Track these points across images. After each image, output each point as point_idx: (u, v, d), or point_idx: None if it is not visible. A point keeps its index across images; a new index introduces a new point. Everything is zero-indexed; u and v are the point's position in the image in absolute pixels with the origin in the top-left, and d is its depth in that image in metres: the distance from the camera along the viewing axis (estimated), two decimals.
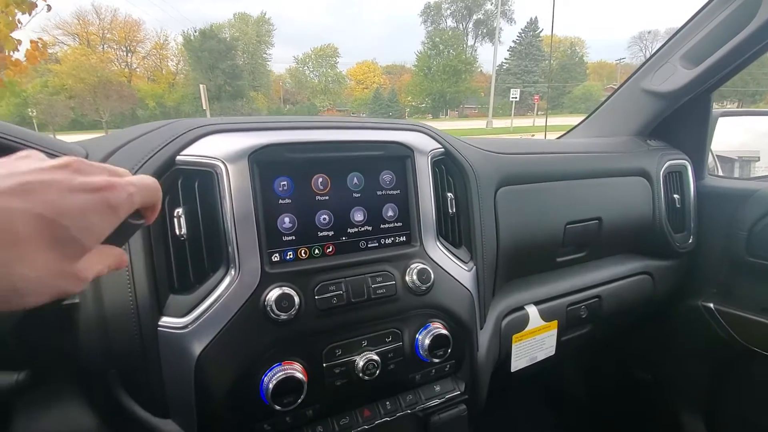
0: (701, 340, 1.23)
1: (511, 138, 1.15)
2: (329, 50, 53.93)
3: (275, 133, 0.61)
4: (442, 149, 0.75)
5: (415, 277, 0.67)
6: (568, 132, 1.44)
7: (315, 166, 0.63)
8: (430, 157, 0.73)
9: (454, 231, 0.78)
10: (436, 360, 0.69)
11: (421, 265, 0.68)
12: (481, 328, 0.82)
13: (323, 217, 0.64)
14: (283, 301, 0.57)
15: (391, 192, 0.69)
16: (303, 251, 0.62)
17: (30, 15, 4.81)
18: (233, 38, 43.73)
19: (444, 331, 0.69)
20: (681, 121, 1.24)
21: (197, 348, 0.55)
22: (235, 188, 0.57)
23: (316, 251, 0.63)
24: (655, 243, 1.15)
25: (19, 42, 5.00)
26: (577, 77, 47.23)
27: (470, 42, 51.96)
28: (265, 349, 0.58)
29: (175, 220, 0.56)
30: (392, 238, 0.69)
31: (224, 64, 38.47)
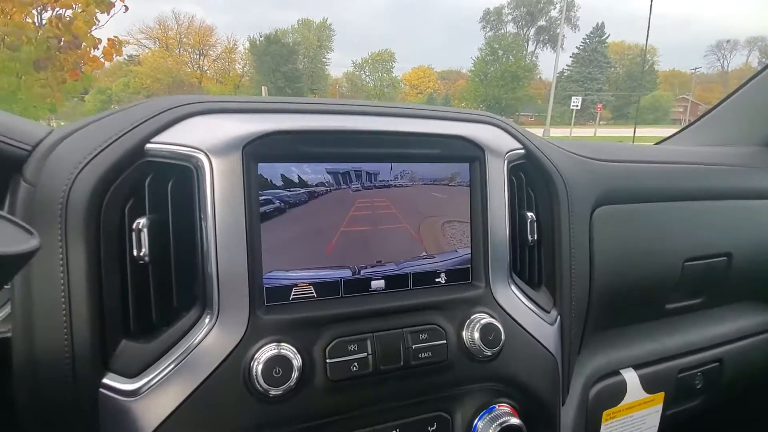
0: None
1: (608, 142, 0.89)
2: (386, 55, 54.41)
3: (284, 118, 0.42)
4: (523, 151, 0.54)
5: (477, 335, 0.46)
6: (672, 137, 1.15)
7: (340, 167, 0.44)
8: (506, 162, 0.51)
9: (533, 266, 0.56)
10: None
11: (488, 318, 0.46)
12: (563, 404, 0.58)
13: (347, 241, 0.44)
14: (276, 368, 0.38)
15: (449, 208, 0.49)
16: (311, 290, 0.43)
17: (108, 14, 5.14)
18: (295, 43, 45.45)
19: (516, 420, 0.46)
20: None
21: (150, 423, 0.38)
22: (220, 193, 0.39)
23: (331, 291, 0.44)
24: None
25: (99, 41, 5.37)
26: (645, 86, 43.95)
27: (530, 48, 50.18)
28: None
29: (133, 234, 0.39)
30: (446, 275, 0.49)
31: (285, 68, 40.02)
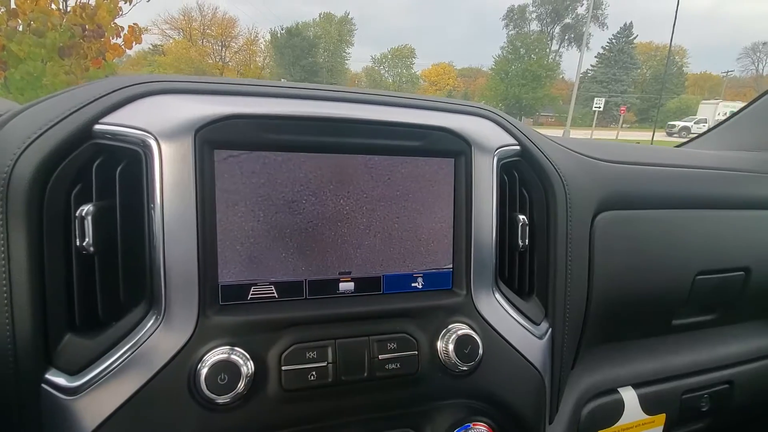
0: None
1: (615, 142, 0.84)
2: (406, 51, 54.06)
3: (242, 101, 0.39)
4: (518, 147, 0.49)
5: (452, 346, 0.42)
6: (692, 140, 1.08)
7: (305, 158, 0.41)
8: (497, 158, 0.47)
9: (524, 273, 0.52)
10: None
11: (465, 329, 0.43)
12: (551, 422, 0.54)
13: (311, 237, 0.41)
14: (221, 374, 0.35)
15: (428, 206, 0.45)
16: (271, 290, 0.40)
17: (131, 3, 5.21)
18: (316, 36, 45.58)
19: None
20: None
21: (88, 425, 0.35)
22: (169, 181, 0.36)
23: (294, 292, 0.41)
24: None
25: (121, 28, 5.45)
26: (672, 89, 42.59)
27: (554, 47, 49.11)
28: None
29: (77, 222, 0.36)
30: (424, 280, 0.45)
31: (305, 61, 40.24)
